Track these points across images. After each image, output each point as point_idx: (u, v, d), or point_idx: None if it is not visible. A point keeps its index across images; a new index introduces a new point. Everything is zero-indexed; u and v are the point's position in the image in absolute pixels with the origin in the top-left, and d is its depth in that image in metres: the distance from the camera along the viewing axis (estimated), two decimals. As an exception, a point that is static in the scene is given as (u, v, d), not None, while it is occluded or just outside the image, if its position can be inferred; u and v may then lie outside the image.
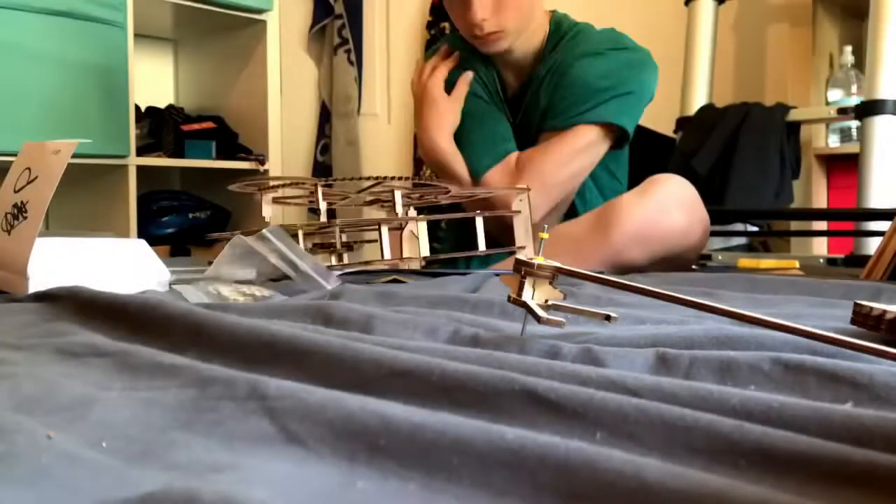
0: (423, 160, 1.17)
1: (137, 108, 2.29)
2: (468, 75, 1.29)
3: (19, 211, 0.78)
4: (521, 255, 0.53)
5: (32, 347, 0.51)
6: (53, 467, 0.29)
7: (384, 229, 0.93)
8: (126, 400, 0.39)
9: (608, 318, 0.51)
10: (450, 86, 1.29)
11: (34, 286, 0.73)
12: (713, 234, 2.02)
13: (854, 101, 1.93)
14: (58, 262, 0.76)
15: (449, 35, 1.56)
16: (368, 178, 0.97)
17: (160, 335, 0.53)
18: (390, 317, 0.58)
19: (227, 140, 2.42)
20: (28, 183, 0.79)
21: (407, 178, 0.99)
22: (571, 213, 1.33)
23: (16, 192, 0.81)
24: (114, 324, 0.57)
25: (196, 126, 2.40)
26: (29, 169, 0.80)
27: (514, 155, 1.28)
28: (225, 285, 0.78)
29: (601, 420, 0.34)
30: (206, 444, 0.33)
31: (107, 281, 0.72)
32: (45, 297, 0.69)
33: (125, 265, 0.79)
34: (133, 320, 0.57)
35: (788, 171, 1.97)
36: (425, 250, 1.01)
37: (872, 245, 1.61)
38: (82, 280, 0.70)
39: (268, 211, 1.03)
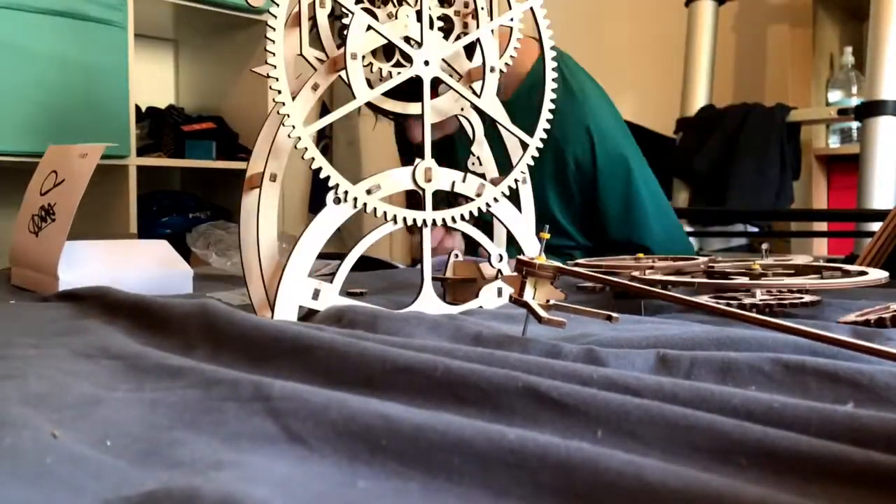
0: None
1: (137, 108, 2.29)
2: None
3: (47, 213, 0.80)
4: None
5: (48, 346, 0.52)
6: (57, 465, 0.29)
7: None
8: (131, 400, 0.39)
9: (609, 318, 0.51)
10: None
11: (63, 287, 0.75)
12: (713, 234, 2.03)
13: (854, 102, 1.93)
14: (86, 264, 0.78)
15: None
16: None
17: (175, 333, 0.54)
18: (394, 314, 0.58)
19: (227, 140, 2.42)
20: (55, 186, 0.81)
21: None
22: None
23: (42, 194, 0.82)
24: (134, 323, 0.59)
25: (196, 126, 2.40)
26: (55, 172, 0.82)
27: None
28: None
29: (603, 418, 0.35)
30: (210, 444, 0.34)
31: (133, 281, 0.75)
32: (70, 297, 0.70)
33: (150, 265, 0.82)
34: (152, 319, 0.58)
35: (789, 171, 1.98)
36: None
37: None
38: (109, 280, 0.72)
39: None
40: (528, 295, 0.51)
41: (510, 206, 0.73)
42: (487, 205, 0.71)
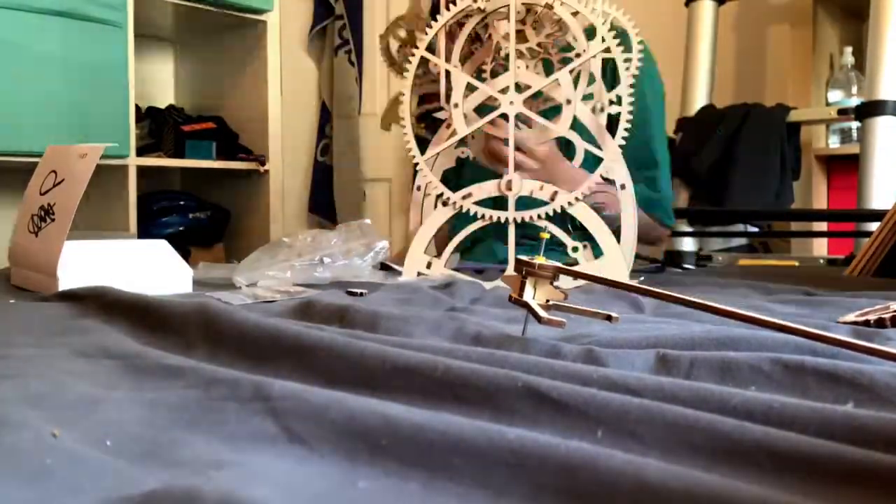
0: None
1: (137, 108, 2.29)
2: None
3: (46, 213, 0.80)
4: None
5: (48, 346, 0.52)
6: (57, 465, 0.29)
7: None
8: (132, 400, 0.39)
9: (609, 318, 0.51)
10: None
11: (63, 287, 0.75)
12: (713, 234, 2.03)
13: (854, 101, 1.93)
14: (85, 264, 0.78)
15: None
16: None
17: (175, 333, 0.54)
18: (395, 314, 0.58)
19: (227, 140, 2.42)
20: (54, 185, 0.81)
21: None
22: None
23: (42, 194, 0.82)
24: (134, 322, 0.59)
25: (196, 126, 2.40)
26: (55, 172, 0.82)
27: None
28: (261, 286, 0.80)
29: (603, 418, 0.35)
30: (210, 444, 0.34)
31: (132, 281, 0.75)
32: (70, 297, 0.70)
33: (149, 265, 0.82)
34: (152, 318, 0.58)
35: (789, 171, 1.98)
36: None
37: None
38: (109, 280, 0.72)
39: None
40: (527, 295, 0.51)
41: (586, 208, 0.90)
42: (562, 207, 0.88)
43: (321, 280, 0.85)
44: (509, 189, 0.89)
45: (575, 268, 0.85)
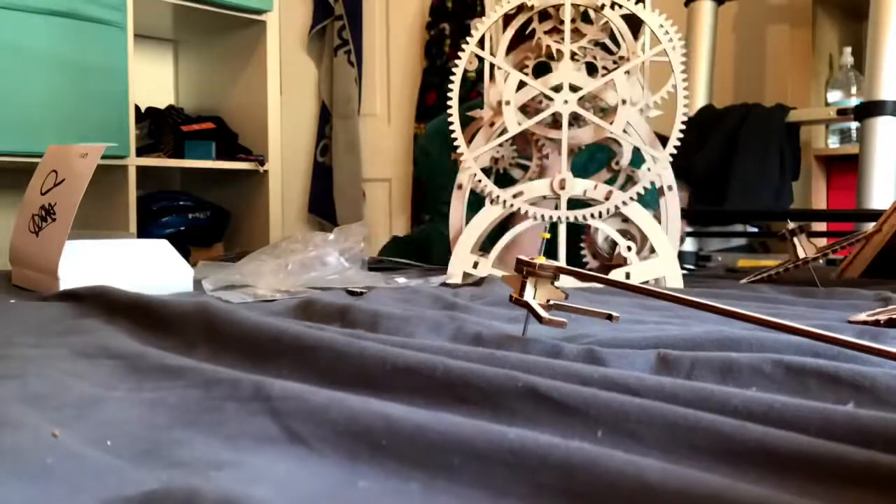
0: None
1: (137, 108, 2.29)
2: None
3: (47, 213, 0.80)
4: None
5: (48, 346, 0.52)
6: (58, 465, 0.29)
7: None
8: (132, 400, 0.39)
9: (610, 317, 0.51)
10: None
11: (64, 286, 0.75)
12: (713, 234, 2.03)
13: (854, 102, 1.93)
14: (86, 263, 0.78)
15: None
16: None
17: (175, 332, 0.55)
18: (395, 314, 0.58)
19: (227, 140, 2.42)
20: (55, 185, 0.81)
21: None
22: None
23: (42, 194, 0.82)
24: (135, 322, 0.59)
25: (196, 126, 2.40)
26: (55, 171, 0.82)
27: None
28: (262, 285, 0.80)
29: (603, 418, 0.35)
30: (210, 443, 0.34)
31: (133, 280, 0.75)
32: (71, 297, 0.70)
33: (150, 265, 0.82)
34: (152, 318, 0.58)
35: (788, 172, 1.98)
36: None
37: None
38: (110, 280, 0.72)
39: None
40: (528, 295, 0.51)
41: (639, 208, 0.89)
42: (616, 206, 0.87)
43: (293, 287, 0.82)
44: (562, 188, 0.88)
45: (628, 268, 0.88)
